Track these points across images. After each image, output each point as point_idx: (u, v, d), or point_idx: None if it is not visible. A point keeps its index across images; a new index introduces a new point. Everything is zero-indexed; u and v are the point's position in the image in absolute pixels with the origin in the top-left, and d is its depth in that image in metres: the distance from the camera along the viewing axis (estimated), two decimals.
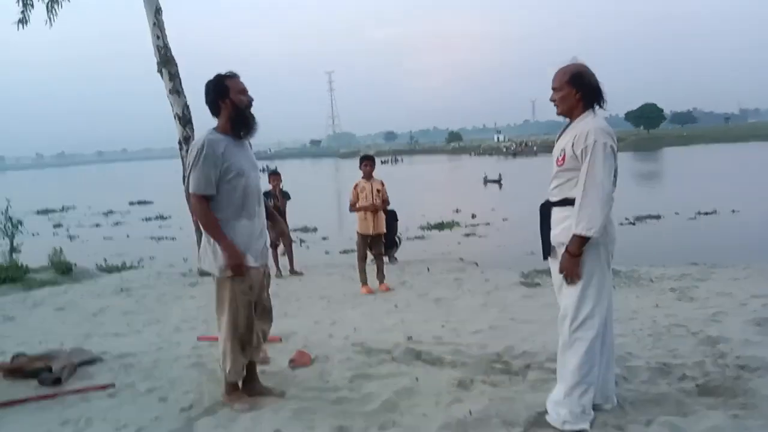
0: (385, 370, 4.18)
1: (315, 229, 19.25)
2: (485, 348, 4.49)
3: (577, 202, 3.01)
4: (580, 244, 3.00)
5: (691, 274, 7.23)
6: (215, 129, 3.58)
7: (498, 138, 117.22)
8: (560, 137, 3.25)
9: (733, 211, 17.71)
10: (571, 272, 3.06)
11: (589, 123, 3.06)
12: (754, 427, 2.98)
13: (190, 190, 3.47)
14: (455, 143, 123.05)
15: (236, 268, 3.46)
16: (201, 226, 3.56)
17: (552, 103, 3.24)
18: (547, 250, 3.25)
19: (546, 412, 3.21)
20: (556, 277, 3.22)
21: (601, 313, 3.10)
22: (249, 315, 3.60)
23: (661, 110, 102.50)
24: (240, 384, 3.75)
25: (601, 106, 3.16)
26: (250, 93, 3.59)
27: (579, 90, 3.11)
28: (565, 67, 3.17)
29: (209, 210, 3.48)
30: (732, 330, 4.57)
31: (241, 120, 3.55)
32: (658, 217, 17.62)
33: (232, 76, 3.55)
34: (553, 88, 3.19)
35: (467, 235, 17.00)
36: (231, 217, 3.52)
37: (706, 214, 17.67)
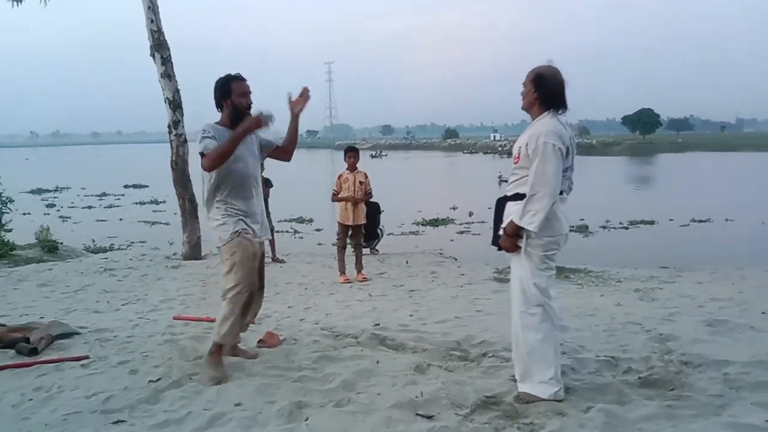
0: (349, 353, 4.37)
1: (311, 221, 19.38)
2: (447, 336, 4.68)
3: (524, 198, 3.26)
4: (515, 227, 3.31)
5: (659, 277, 7.45)
6: (217, 123, 3.99)
7: (494, 137, 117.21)
8: (520, 137, 3.47)
9: (727, 219, 17.78)
10: (510, 248, 3.39)
11: (543, 125, 3.31)
12: (684, 416, 3.18)
13: (201, 151, 3.83)
14: (451, 140, 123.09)
15: (256, 120, 3.83)
16: (220, 157, 3.80)
17: (521, 98, 3.50)
18: (497, 240, 3.50)
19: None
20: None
21: (546, 287, 3.37)
22: (253, 281, 4.00)
23: (658, 116, 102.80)
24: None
25: (558, 111, 3.37)
26: (252, 95, 4.02)
27: (537, 90, 3.37)
28: (534, 68, 3.44)
29: (220, 147, 3.81)
30: (684, 329, 4.77)
31: (238, 119, 3.93)
32: (652, 222, 17.67)
33: (238, 80, 3.98)
34: (522, 84, 3.47)
35: (461, 232, 17.10)
36: (228, 197, 3.94)
37: (701, 221, 17.68)
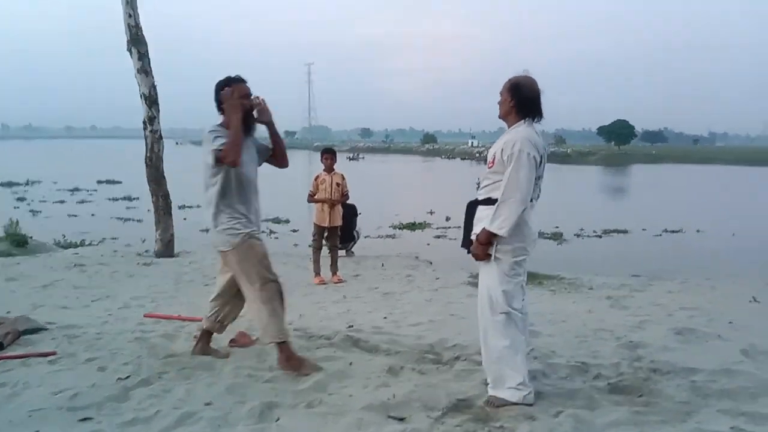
0: (322, 354, 4.35)
1: (287, 221, 19.25)
2: (420, 339, 4.70)
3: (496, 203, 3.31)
4: (489, 236, 3.33)
5: (630, 285, 7.55)
6: (219, 124, 3.95)
7: (472, 143, 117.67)
8: (496, 143, 3.53)
9: (698, 231, 18.04)
10: (480, 257, 3.40)
11: (519, 132, 3.37)
12: (651, 422, 3.23)
13: (218, 148, 3.79)
14: (429, 145, 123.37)
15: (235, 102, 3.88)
16: (236, 147, 3.81)
17: (498, 106, 3.55)
18: (467, 243, 3.53)
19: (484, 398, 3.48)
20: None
21: (513, 295, 3.40)
22: (273, 271, 3.99)
23: (633, 127, 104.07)
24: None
25: (534, 120, 3.45)
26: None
27: (513, 98, 3.43)
28: (511, 77, 3.49)
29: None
30: (653, 337, 4.84)
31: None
32: (625, 231, 17.83)
33: (238, 81, 3.98)
34: (499, 93, 3.52)
35: (438, 236, 17.10)
36: (233, 202, 3.91)
37: (673, 232, 17.86)
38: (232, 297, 4.20)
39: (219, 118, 4.02)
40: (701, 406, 3.44)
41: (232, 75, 4.02)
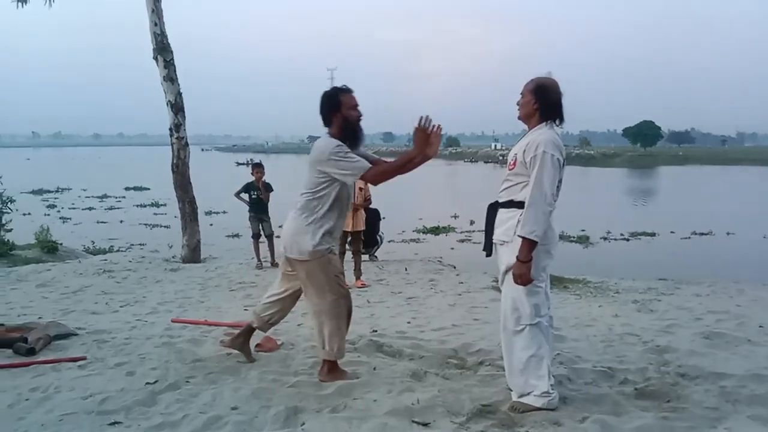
0: (346, 359, 4.33)
1: None
2: (444, 344, 4.70)
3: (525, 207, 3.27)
4: (528, 250, 3.24)
5: (657, 288, 7.46)
6: (331, 136, 3.82)
7: (495, 146, 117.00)
8: (517, 144, 3.51)
9: (729, 233, 17.75)
10: (524, 278, 3.27)
11: (542, 135, 3.34)
12: (679, 428, 3.19)
13: (363, 174, 3.70)
14: (452, 148, 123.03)
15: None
16: (398, 171, 3.78)
17: (517, 107, 3.51)
18: (489, 247, 3.51)
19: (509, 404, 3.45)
20: (499, 271, 3.51)
21: (539, 304, 3.36)
22: (348, 293, 3.97)
23: (659, 128, 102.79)
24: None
25: (556, 123, 3.43)
26: (360, 108, 3.89)
27: (537, 101, 3.39)
28: (534, 78, 3.46)
29: (383, 165, 3.83)
30: (681, 341, 4.78)
31: (350, 132, 3.85)
32: (653, 234, 17.59)
33: (347, 92, 3.85)
34: (520, 94, 3.48)
35: (462, 240, 17.06)
36: (329, 217, 3.84)
37: (702, 234, 17.59)
38: (289, 302, 4.22)
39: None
40: (730, 412, 3.39)
41: (339, 85, 3.89)
